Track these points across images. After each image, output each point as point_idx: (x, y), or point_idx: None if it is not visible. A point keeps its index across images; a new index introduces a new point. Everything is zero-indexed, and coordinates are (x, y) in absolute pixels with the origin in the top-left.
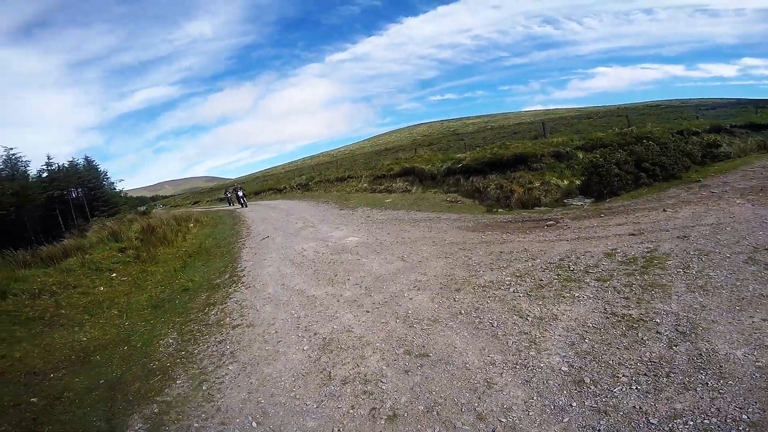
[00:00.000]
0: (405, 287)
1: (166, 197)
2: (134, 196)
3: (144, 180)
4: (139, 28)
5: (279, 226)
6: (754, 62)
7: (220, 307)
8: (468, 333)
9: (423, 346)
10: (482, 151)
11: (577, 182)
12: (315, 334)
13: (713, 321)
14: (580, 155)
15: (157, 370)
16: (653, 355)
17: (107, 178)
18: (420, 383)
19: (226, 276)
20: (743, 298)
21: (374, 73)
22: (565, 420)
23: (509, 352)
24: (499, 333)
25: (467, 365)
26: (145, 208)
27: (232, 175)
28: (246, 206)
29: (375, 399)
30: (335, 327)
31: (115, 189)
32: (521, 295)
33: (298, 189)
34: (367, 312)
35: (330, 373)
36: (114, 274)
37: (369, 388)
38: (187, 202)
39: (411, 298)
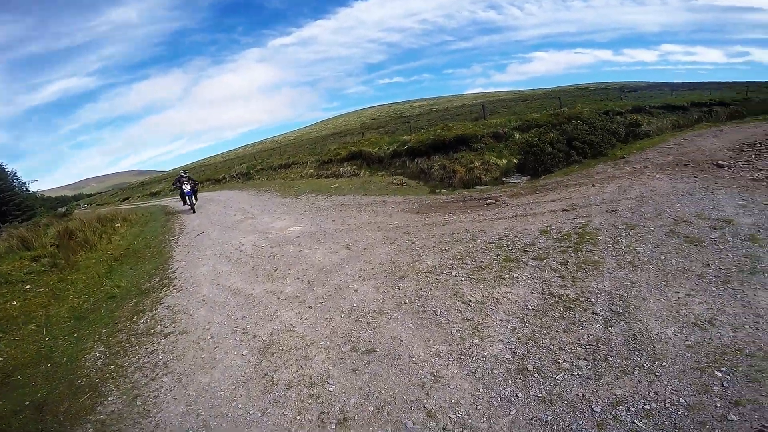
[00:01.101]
0: (350, 278)
1: (90, 195)
2: (54, 196)
3: (64, 178)
4: (51, 16)
5: (215, 220)
6: (672, 48)
7: (150, 314)
8: (413, 323)
9: (369, 341)
10: (426, 133)
11: (515, 161)
12: (254, 336)
13: (643, 298)
14: (517, 135)
15: (86, 387)
16: (591, 337)
17: (17, 179)
18: (368, 382)
19: (157, 279)
20: (668, 273)
21: (320, 57)
22: (513, 412)
23: (453, 341)
24: (443, 321)
25: (414, 359)
26: (65, 209)
27: (166, 167)
28: (193, 210)
29: (323, 403)
30: (276, 327)
31: (28, 190)
32: (463, 279)
33: (239, 178)
34: (310, 308)
35: (273, 378)
36: (28, 286)
37: (316, 391)
38: (115, 199)
39: (356, 290)
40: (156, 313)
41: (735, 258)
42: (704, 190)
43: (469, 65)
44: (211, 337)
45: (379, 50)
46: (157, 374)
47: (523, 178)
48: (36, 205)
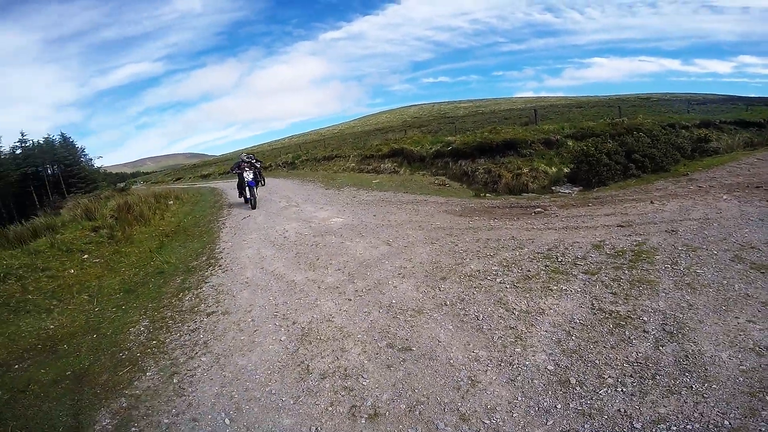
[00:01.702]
0: (389, 274)
1: (147, 174)
2: (114, 172)
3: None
4: (124, 3)
5: (261, 205)
6: (751, 60)
7: (195, 292)
8: (453, 326)
9: (406, 339)
10: (472, 135)
11: (566, 170)
12: (294, 323)
13: (700, 321)
14: (570, 143)
15: (126, 361)
16: (639, 355)
17: (85, 155)
18: (402, 380)
19: (204, 258)
20: (729, 298)
21: (368, 52)
22: (549, 423)
23: (494, 347)
24: (485, 327)
25: (451, 361)
26: (124, 184)
27: (217, 152)
28: (253, 205)
29: (355, 396)
30: (315, 316)
31: (93, 165)
32: (508, 286)
33: (284, 167)
34: (349, 300)
35: (308, 366)
36: (86, 256)
37: (349, 383)
38: (168, 178)
39: (395, 286)
40: (201, 292)
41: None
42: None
43: (521, 68)
44: (252, 320)
45: (426, 48)
46: (197, 353)
47: (575, 188)
48: (99, 179)
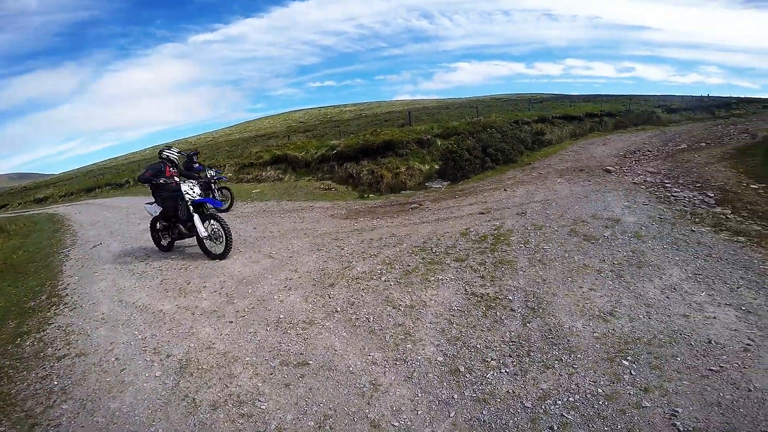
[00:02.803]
0: (274, 288)
1: None
2: None
3: None
4: None
5: (116, 230)
6: (575, 63)
7: (37, 335)
8: (346, 332)
9: (301, 354)
10: (355, 137)
11: (436, 167)
12: (168, 356)
13: (554, 294)
14: (439, 142)
15: None
16: (512, 334)
17: None
18: (304, 396)
19: (44, 297)
20: (572, 269)
21: (248, 56)
22: (452, 414)
23: (388, 348)
24: (376, 328)
25: (350, 368)
26: None
27: (56, 170)
28: (223, 254)
29: (257, 421)
30: (192, 345)
31: None
32: (392, 283)
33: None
34: (231, 323)
35: (195, 399)
36: None
37: (246, 410)
38: None
39: (282, 300)
40: (45, 335)
41: (624, 254)
42: (596, 193)
43: (400, 72)
44: (116, 359)
45: (313, 52)
46: (54, 401)
47: (444, 183)
48: None
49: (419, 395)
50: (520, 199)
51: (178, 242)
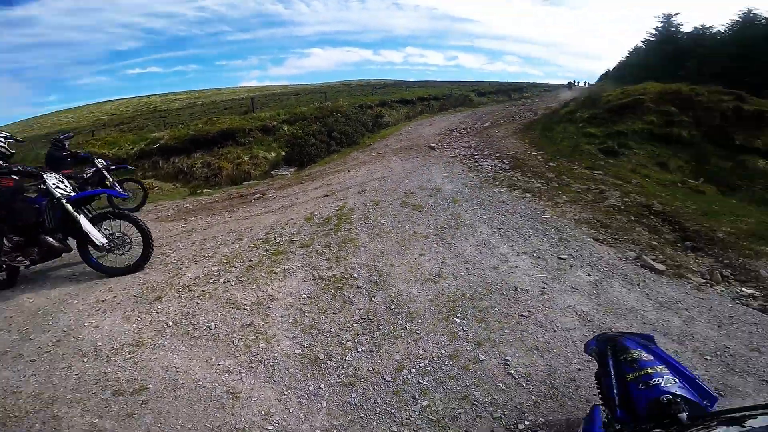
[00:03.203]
0: (83, 314)
1: None
2: None
3: None
4: None
5: None
6: (413, 51)
7: None
8: (185, 346)
9: (135, 379)
10: (185, 128)
11: (283, 153)
12: None
13: (391, 265)
14: (285, 128)
15: None
16: (362, 311)
17: None
18: (155, 422)
19: None
20: (405, 239)
21: (37, 41)
22: (324, 405)
23: (239, 352)
24: (221, 334)
25: (200, 383)
26: None
27: None
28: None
29: None
30: None
31: None
32: (233, 283)
33: None
34: (33, 361)
35: None
36: None
37: None
38: None
39: (96, 326)
40: None
41: (445, 218)
42: (423, 167)
43: (246, 57)
44: None
45: (134, 36)
46: None
47: (291, 169)
48: None
49: (286, 393)
50: (361, 179)
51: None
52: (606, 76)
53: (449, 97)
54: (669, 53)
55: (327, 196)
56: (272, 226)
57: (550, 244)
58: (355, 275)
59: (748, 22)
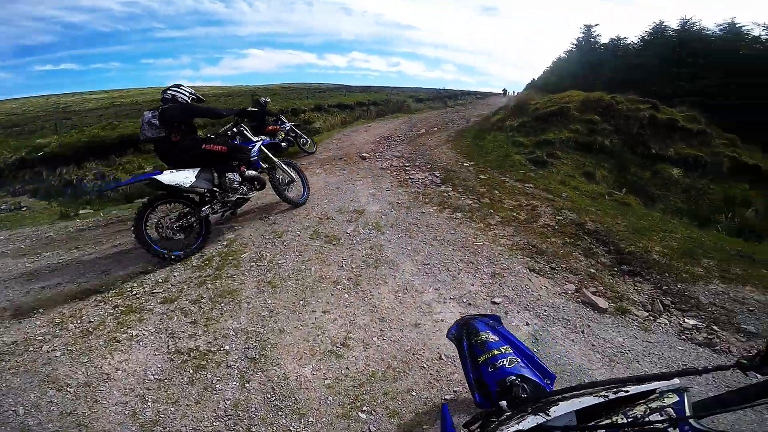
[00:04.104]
0: None
1: None
2: None
3: None
4: None
5: None
6: (358, 56)
7: None
8: None
9: None
10: (77, 133)
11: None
12: None
13: (280, 330)
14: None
15: None
16: (228, 403)
17: None
18: None
19: None
20: (307, 287)
21: None
22: None
23: None
24: (31, 424)
25: None
26: None
27: None
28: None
29: None
30: None
31: None
32: (59, 353)
33: None
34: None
35: None
36: None
37: None
38: None
39: None
40: None
41: (364, 253)
42: (348, 182)
43: (178, 56)
44: None
45: (49, 30)
46: None
47: None
48: None
49: None
50: (270, 198)
51: None
52: (532, 85)
53: (387, 103)
54: (588, 63)
55: (219, 224)
56: (135, 270)
57: (483, 283)
58: (227, 347)
59: (659, 33)
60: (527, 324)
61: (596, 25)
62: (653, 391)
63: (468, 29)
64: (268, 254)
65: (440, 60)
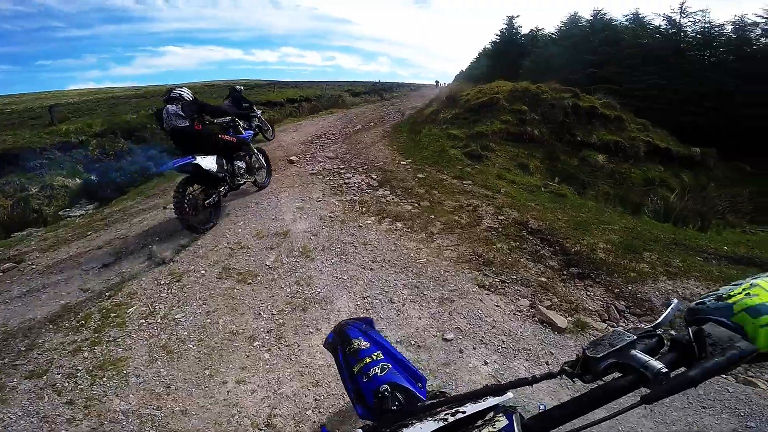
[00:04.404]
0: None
1: None
2: None
3: None
4: None
5: None
6: (290, 50)
7: None
8: None
9: None
10: None
11: (93, 178)
12: None
13: (182, 412)
14: (93, 143)
15: None
16: None
17: None
18: None
19: None
20: (214, 349)
21: None
22: None
23: None
24: None
25: None
26: None
27: None
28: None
29: None
30: None
31: None
32: None
33: None
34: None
35: None
36: None
37: None
38: None
39: None
40: None
41: (288, 289)
42: (270, 194)
43: (81, 56)
44: None
45: None
46: None
47: (90, 206)
48: None
49: None
50: (174, 224)
51: None
52: (461, 76)
53: (321, 98)
54: (510, 53)
55: (105, 266)
56: None
57: (431, 314)
58: None
59: (574, 23)
60: (485, 363)
61: (518, 16)
62: (492, 408)
63: (402, 22)
64: (163, 306)
65: (376, 53)
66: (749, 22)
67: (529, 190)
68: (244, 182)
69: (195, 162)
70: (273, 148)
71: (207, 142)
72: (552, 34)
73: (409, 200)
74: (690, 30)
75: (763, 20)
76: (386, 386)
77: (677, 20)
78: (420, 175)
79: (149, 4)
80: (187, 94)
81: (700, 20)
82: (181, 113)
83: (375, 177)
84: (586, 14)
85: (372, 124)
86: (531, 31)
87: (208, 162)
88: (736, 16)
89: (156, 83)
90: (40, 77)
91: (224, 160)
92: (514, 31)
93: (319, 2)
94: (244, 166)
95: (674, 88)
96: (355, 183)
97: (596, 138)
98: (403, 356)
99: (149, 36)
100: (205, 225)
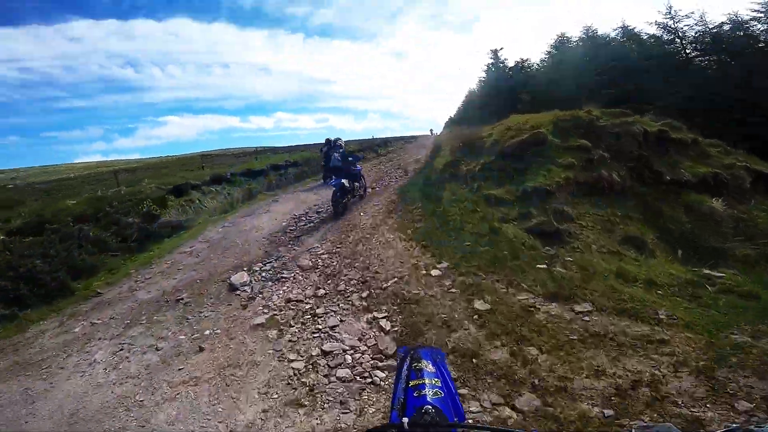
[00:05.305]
0: None
1: None
2: None
3: None
4: None
5: None
6: (284, 115)
7: None
8: None
9: None
10: None
11: None
12: None
13: None
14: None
15: None
16: None
17: None
18: None
19: None
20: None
21: None
22: None
23: None
24: None
25: None
26: None
27: None
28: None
29: None
30: None
31: None
32: None
33: None
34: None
35: None
36: None
37: None
38: None
39: None
40: None
41: None
42: (155, 398)
43: (85, 127)
44: None
45: None
46: None
47: None
48: None
49: None
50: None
51: None
52: (451, 122)
53: (310, 161)
54: (503, 88)
55: None
56: None
57: None
58: None
59: (564, 44)
60: None
61: (501, 48)
62: None
63: (384, 76)
64: None
65: (366, 110)
66: (747, 18)
67: (688, 298)
68: (358, 194)
69: (342, 182)
70: (219, 252)
71: (347, 172)
72: (540, 62)
73: (490, 397)
74: (693, 34)
75: (761, 14)
76: (432, 408)
77: (671, 25)
78: (477, 306)
79: (146, 73)
80: (341, 147)
81: (696, 23)
82: (339, 159)
83: (388, 322)
84: (576, 34)
85: (370, 189)
86: (516, 63)
87: (347, 182)
88: (730, 14)
89: (159, 154)
90: (49, 149)
91: (353, 182)
92: (501, 64)
93: (303, 67)
94: (360, 186)
95: (709, 97)
96: (347, 350)
97: (687, 172)
98: (457, 393)
99: (148, 106)
100: (343, 214)
